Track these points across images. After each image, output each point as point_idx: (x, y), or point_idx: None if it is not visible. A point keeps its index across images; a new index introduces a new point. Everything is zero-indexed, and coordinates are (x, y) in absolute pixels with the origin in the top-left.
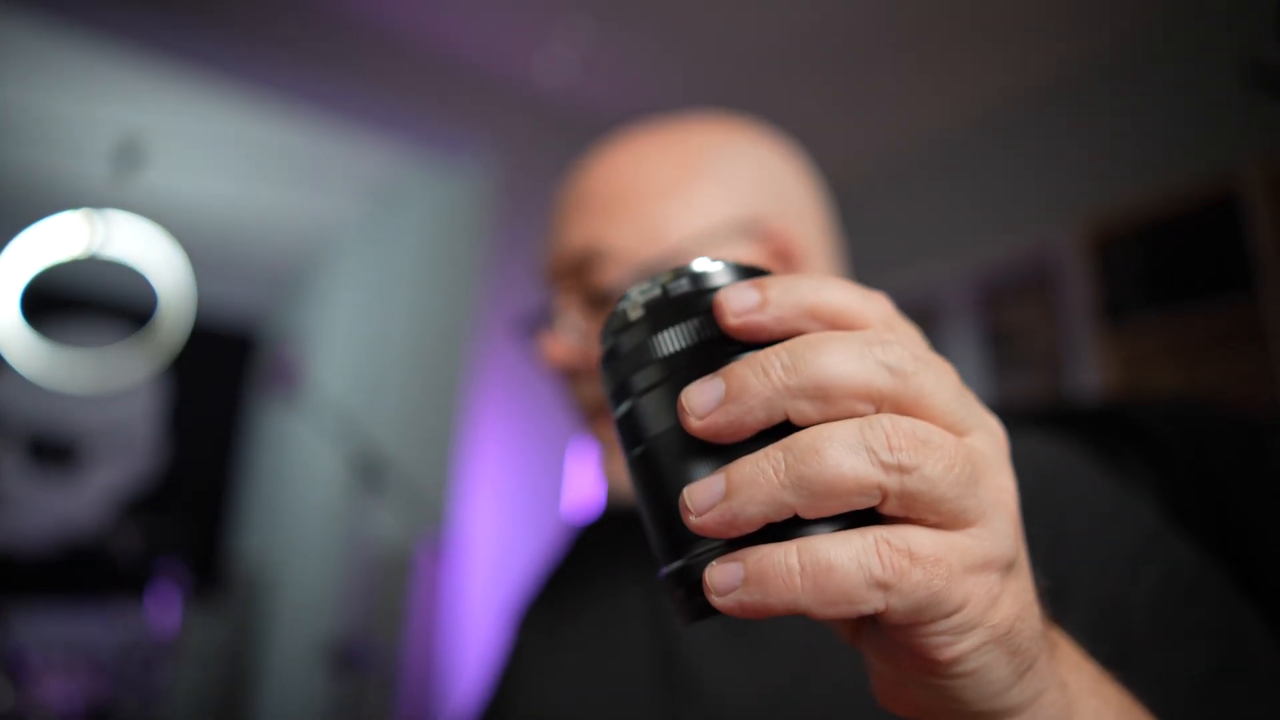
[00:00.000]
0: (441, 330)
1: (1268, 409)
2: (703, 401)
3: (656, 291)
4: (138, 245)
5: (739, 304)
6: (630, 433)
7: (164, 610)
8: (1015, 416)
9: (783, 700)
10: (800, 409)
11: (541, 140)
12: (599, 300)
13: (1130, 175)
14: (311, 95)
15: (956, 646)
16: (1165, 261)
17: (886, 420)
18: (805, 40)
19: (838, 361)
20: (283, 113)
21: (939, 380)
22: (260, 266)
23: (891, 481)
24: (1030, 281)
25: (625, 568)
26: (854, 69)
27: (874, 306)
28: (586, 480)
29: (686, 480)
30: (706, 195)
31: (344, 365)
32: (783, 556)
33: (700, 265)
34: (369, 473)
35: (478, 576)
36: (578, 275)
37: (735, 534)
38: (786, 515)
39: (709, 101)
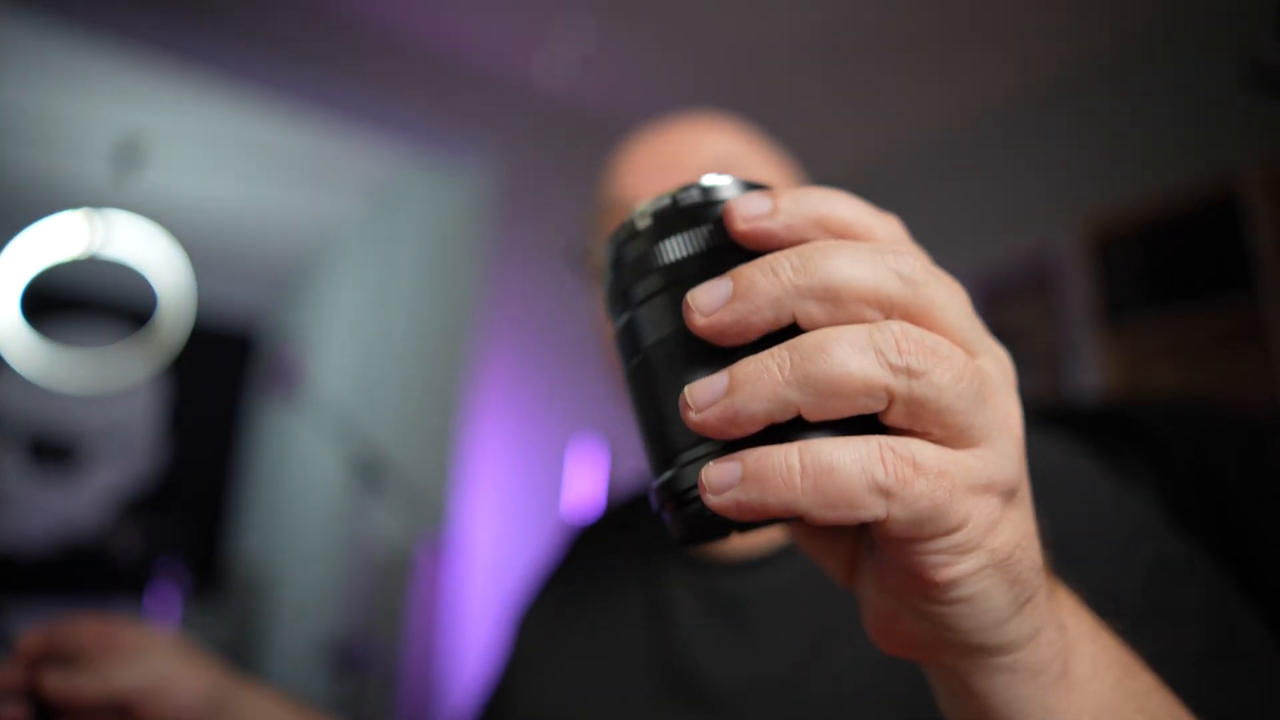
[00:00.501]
0: (441, 330)
1: (1268, 409)
2: (709, 299)
3: (666, 201)
4: (138, 245)
5: (750, 210)
6: (629, 343)
7: (164, 610)
8: None
9: (782, 697)
10: (808, 310)
11: (541, 140)
12: None
13: (1130, 175)
14: (311, 95)
15: (955, 567)
16: (1165, 261)
17: (896, 325)
18: (805, 40)
19: (847, 265)
20: (283, 113)
21: (950, 296)
22: (260, 266)
23: (899, 384)
24: (1030, 281)
25: (625, 567)
26: (854, 69)
27: (885, 224)
28: (586, 480)
29: (685, 385)
30: (769, 168)
31: (344, 365)
32: (783, 456)
33: (710, 179)
34: (369, 473)
35: (478, 576)
36: None
37: (736, 433)
38: (790, 415)
39: (709, 101)
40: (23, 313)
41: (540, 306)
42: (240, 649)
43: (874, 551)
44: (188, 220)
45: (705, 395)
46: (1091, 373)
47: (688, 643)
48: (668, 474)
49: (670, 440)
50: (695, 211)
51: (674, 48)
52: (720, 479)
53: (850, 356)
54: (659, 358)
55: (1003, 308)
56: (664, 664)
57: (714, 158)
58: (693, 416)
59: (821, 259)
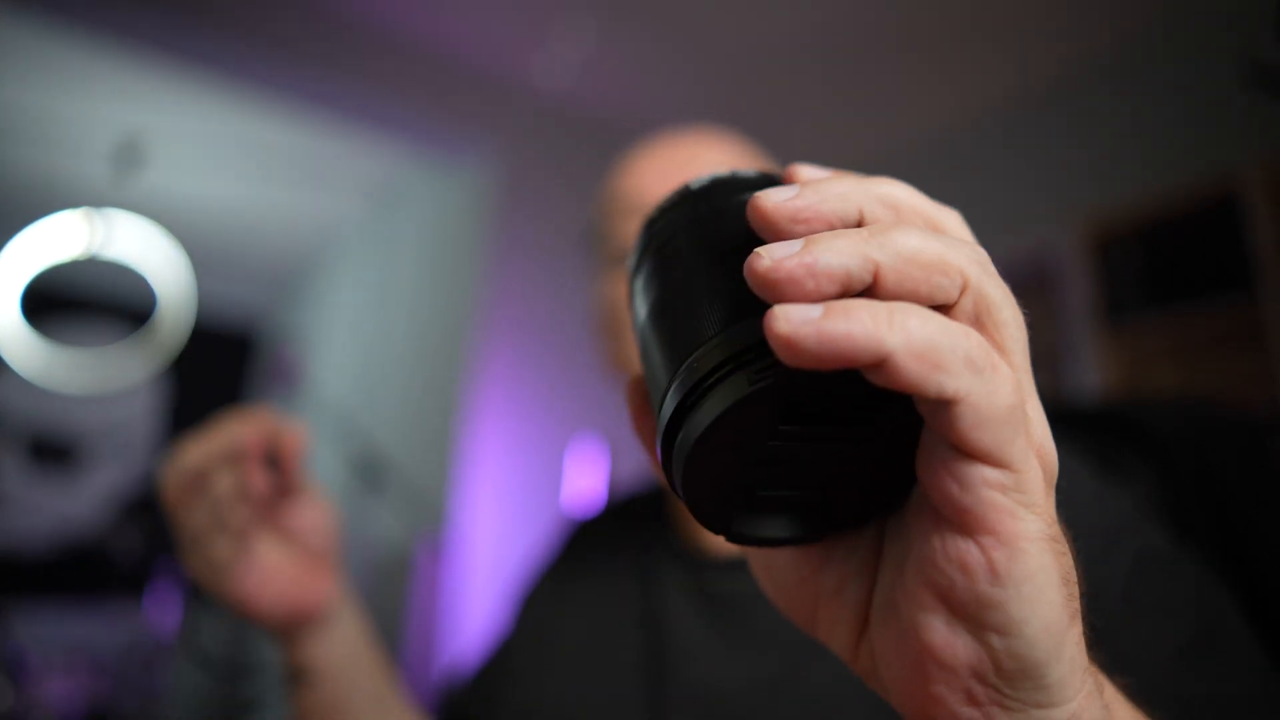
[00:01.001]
0: (441, 330)
1: (1268, 409)
2: (776, 193)
3: (725, 173)
4: (138, 245)
5: (814, 175)
6: (655, 277)
7: (164, 610)
8: None
9: (776, 692)
10: (875, 211)
11: (541, 140)
12: None
13: (1130, 175)
14: (311, 95)
15: (1018, 520)
16: (1165, 261)
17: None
18: (804, 40)
19: (903, 190)
20: (283, 113)
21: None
22: (260, 266)
23: (973, 270)
24: (1030, 281)
25: (622, 564)
26: (853, 69)
27: (945, 212)
28: (586, 480)
29: (717, 299)
30: None
31: (344, 365)
32: (867, 303)
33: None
34: (369, 473)
35: (478, 577)
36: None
37: (812, 285)
38: (868, 277)
39: (709, 101)
40: (23, 313)
41: (540, 306)
42: (241, 649)
43: (902, 578)
44: (188, 220)
45: (780, 249)
46: (1091, 373)
47: (683, 642)
48: (692, 357)
49: (699, 332)
50: (753, 182)
51: (674, 48)
52: (799, 312)
53: (926, 238)
54: (691, 275)
55: None
56: (659, 663)
57: (724, 166)
58: (763, 264)
59: (879, 180)
